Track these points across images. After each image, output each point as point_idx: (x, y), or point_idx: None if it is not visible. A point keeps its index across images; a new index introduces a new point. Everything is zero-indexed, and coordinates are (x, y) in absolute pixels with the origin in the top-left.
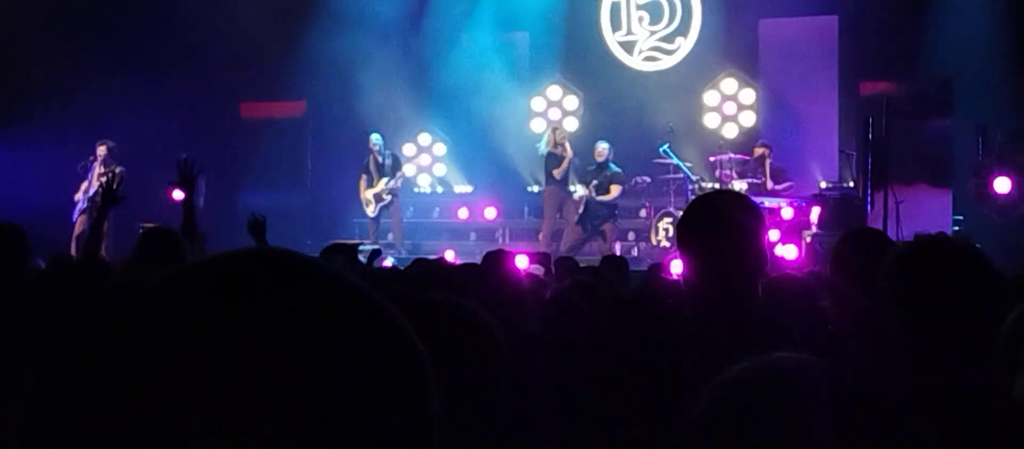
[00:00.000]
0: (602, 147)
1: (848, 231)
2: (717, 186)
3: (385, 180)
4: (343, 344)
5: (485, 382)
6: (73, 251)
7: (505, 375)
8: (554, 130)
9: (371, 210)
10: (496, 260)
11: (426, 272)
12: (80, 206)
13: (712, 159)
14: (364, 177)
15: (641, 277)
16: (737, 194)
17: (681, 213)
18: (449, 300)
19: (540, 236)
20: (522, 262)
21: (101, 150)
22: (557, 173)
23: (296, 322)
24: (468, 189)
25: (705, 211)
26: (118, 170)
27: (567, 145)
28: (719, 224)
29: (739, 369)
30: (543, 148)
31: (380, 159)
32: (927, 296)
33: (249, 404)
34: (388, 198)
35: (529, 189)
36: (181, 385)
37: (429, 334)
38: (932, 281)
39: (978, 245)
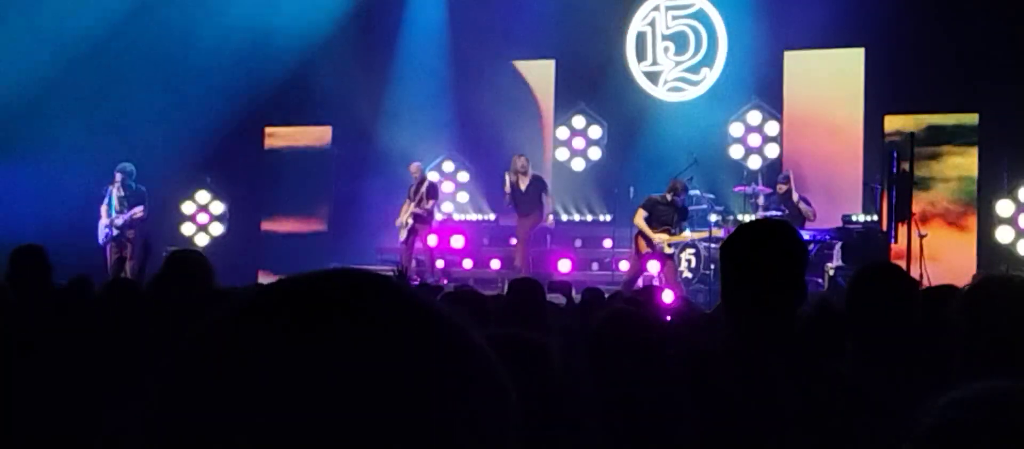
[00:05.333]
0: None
1: (866, 266)
2: (747, 217)
3: (412, 205)
4: (435, 373)
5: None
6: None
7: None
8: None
9: (402, 234)
10: (526, 288)
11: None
12: (108, 232)
13: (737, 190)
14: (407, 202)
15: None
16: (784, 224)
17: (727, 236)
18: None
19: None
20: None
21: (118, 176)
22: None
23: (385, 350)
24: (491, 217)
25: (750, 237)
26: (139, 210)
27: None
28: (762, 251)
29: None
30: None
31: (416, 186)
32: (997, 334)
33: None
34: (411, 222)
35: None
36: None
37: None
38: (1004, 319)
39: None
